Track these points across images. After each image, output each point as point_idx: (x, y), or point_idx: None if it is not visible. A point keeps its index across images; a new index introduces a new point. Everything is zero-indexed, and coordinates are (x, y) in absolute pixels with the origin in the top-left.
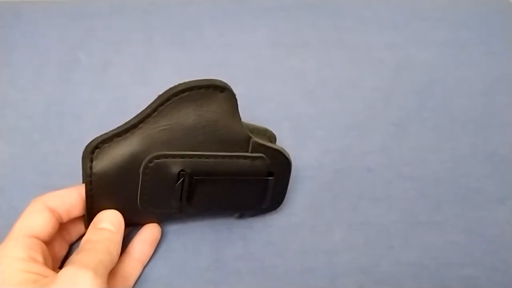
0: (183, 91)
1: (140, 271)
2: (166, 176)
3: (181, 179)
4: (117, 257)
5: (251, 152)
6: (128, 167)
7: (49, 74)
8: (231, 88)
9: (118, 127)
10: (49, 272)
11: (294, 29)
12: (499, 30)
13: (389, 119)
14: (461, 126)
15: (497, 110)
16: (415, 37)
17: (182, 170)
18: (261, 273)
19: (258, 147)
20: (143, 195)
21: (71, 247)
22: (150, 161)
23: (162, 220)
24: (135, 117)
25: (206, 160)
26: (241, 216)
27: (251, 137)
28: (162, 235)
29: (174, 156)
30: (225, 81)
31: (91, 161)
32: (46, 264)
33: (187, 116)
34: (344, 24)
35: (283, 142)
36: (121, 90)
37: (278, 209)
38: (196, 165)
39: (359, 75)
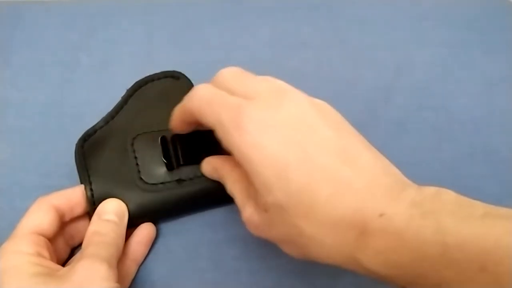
0: (145, 82)
1: (135, 271)
2: (151, 146)
3: (163, 138)
4: (122, 249)
5: None
6: (116, 152)
7: (49, 74)
8: (186, 76)
9: (99, 121)
10: (58, 266)
11: (294, 29)
12: (499, 30)
13: (389, 119)
14: (460, 126)
15: (497, 110)
16: (415, 37)
17: (163, 137)
18: (261, 273)
19: None
20: (137, 171)
21: (73, 251)
22: (134, 138)
23: (161, 207)
24: (111, 110)
25: None
26: None
27: None
28: (161, 235)
29: (153, 132)
30: None
31: (84, 159)
32: (52, 260)
33: (154, 102)
34: (344, 24)
35: None
36: (121, 90)
37: None
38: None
39: (359, 75)
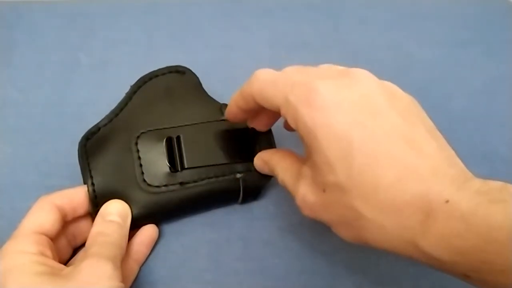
0: (150, 78)
1: (137, 271)
2: (155, 146)
3: (167, 139)
4: (125, 250)
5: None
6: (120, 151)
7: (49, 74)
8: (191, 70)
9: (102, 119)
10: (62, 266)
11: (294, 29)
12: (499, 30)
13: None
14: (460, 126)
15: (497, 110)
16: (415, 37)
17: (168, 137)
18: (260, 273)
19: None
20: (141, 172)
21: (74, 252)
22: (138, 136)
23: (164, 209)
24: (115, 107)
25: (188, 127)
26: (244, 200)
27: (222, 105)
28: (161, 236)
29: (157, 130)
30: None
31: (87, 157)
32: (54, 260)
33: (158, 98)
34: (344, 24)
35: (284, 143)
36: (121, 90)
37: (277, 209)
38: (179, 132)
39: None
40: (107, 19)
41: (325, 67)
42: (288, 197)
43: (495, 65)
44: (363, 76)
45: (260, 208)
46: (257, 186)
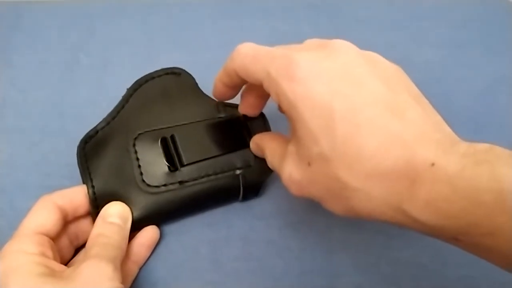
0: (146, 80)
1: (137, 272)
2: (153, 147)
3: (162, 139)
4: (125, 252)
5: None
6: (118, 153)
7: (49, 74)
8: (187, 72)
9: (100, 122)
10: (62, 266)
11: (294, 29)
12: (499, 30)
13: None
14: (461, 126)
15: (497, 110)
16: (415, 37)
17: (163, 137)
18: (261, 273)
19: (229, 109)
20: (140, 173)
21: (76, 251)
22: (135, 138)
23: (164, 209)
24: (112, 110)
25: (185, 125)
26: (245, 196)
27: (218, 102)
28: (161, 236)
29: (154, 130)
30: None
31: (86, 160)
32: (55, 260)
33: (155, 100)
34: (344, 24)
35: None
36: (121, 90)
37: (277, 208)
38: (176, 131)
39: None
40: (107, 19)
41: (307, 41)
42: (288, 196)
43: (495, 65)
44: (343, 46)
45: (260, 207)
46: (257, 182)
